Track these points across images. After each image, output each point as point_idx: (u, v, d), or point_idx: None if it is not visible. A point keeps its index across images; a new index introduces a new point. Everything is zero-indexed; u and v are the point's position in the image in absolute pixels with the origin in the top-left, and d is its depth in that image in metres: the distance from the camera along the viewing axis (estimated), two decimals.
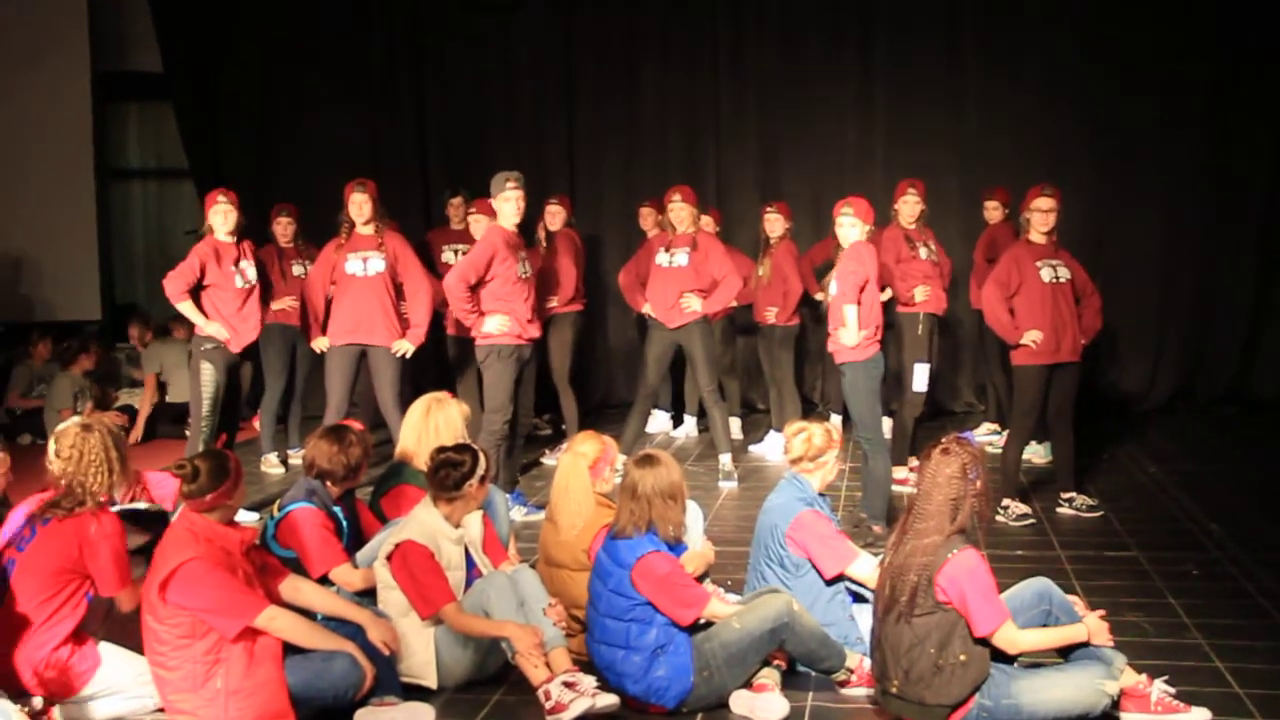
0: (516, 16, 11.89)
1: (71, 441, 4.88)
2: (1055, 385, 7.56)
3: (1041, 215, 7.53)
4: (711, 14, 11.69)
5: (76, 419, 5.09)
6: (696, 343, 8.60)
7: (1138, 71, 10.89)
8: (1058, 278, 7.52)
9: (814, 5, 11.48)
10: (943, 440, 4.63)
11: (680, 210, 8.55)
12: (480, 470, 5.21)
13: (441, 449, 5.33)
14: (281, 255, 9.49)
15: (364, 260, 8.20)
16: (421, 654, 4.98)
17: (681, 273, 8.56)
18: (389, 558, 5.05)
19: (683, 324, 8.57)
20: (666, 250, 8.67)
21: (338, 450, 5.46)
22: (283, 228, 9.53)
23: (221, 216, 7.87)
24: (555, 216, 9.54)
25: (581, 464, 5.60)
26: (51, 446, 4.93)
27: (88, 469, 4.84)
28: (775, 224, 9.53)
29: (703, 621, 4.84)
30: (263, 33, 11.95)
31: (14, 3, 12.22)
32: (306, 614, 4.85)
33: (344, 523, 5.50)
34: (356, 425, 5.79)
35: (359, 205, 8.20)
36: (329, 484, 5.48)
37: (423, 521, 5.16)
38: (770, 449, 9.48)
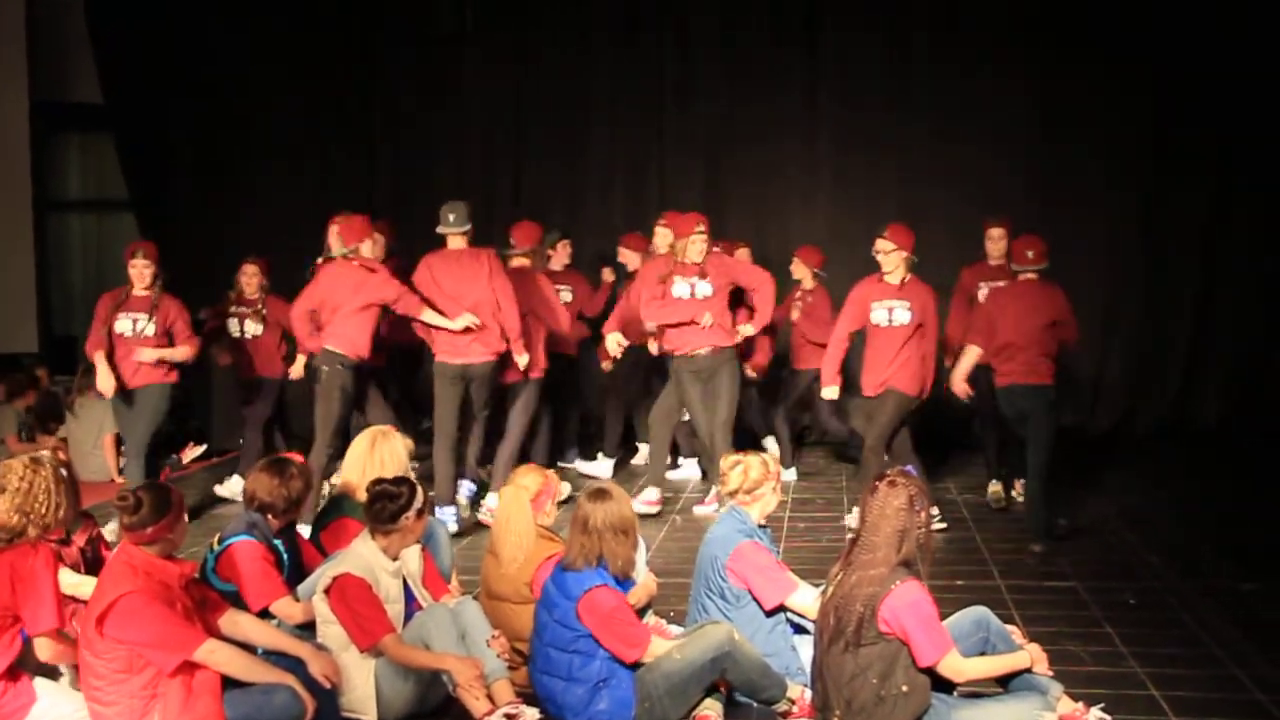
0: (466, 51, 11.91)
1: (20, 474, 4.83)
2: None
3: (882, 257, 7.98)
4: (658, 49, 11.78)
5: (24, 457, 5.03)
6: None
7: (1077, 110, 11.05)
8: (891, 320, 7.94)
9: (760, 46, 11.57)
10: (888, 473, 4.70)
11: (699, 240, 8.36)
12: (417, 503, 5.20)
13: (378, 481, 5.32)
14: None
15: None
16: (362, 688, 4.95)
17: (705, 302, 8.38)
18: (327, 591, 5.03)
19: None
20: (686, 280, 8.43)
21: (279, 483, 5.45)
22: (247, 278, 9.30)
23: (138, 271, 8.10)
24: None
25: (523, 496, 5.61)
26: None
27: (33, 503, 4.80)
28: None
29: (645, 660, 4.86)
30: (206, 64, 11.91)
31: None
32: (247, 648, 4.83)
33: (285, 556, 5.48)
34: (298, 458, 5.78)
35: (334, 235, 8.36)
36: (270, 517, 5.46)
37: (360, 555, 5.15)
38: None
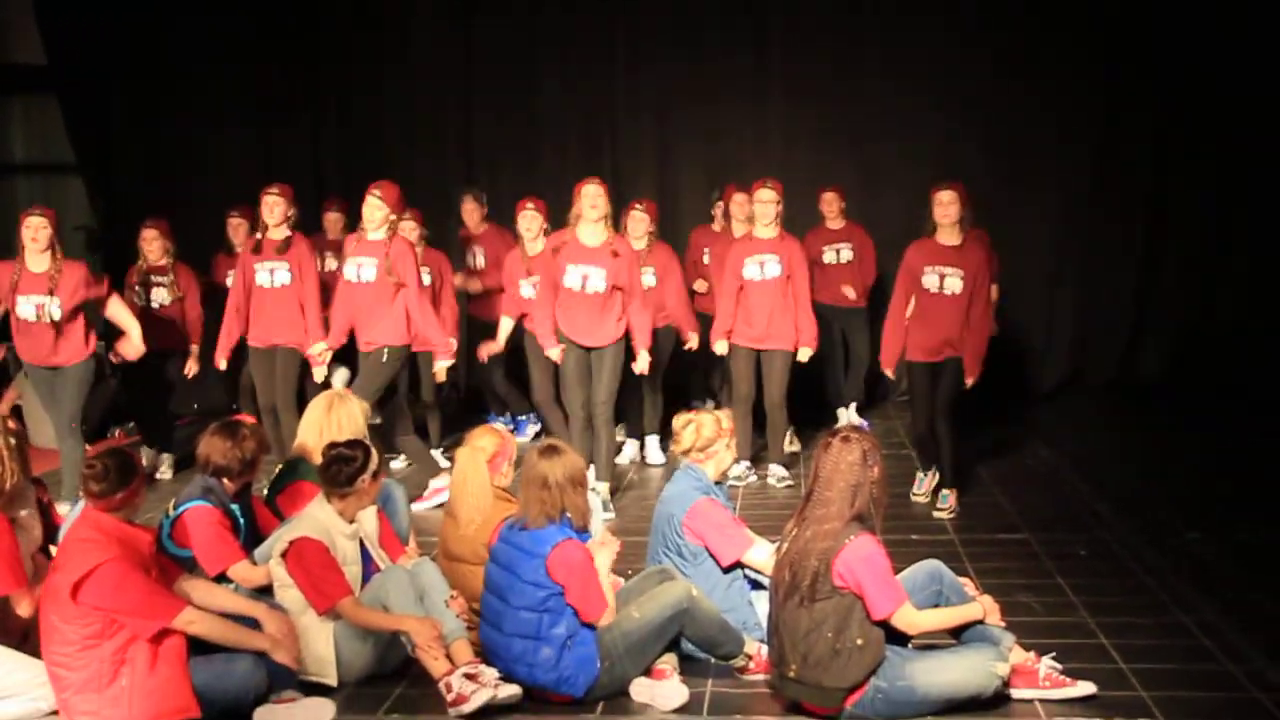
0: (415, 17, 11.79)
1: None
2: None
3: (761, 207, 8.08)
4: (607, 8, 11.71)
5: None
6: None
7: (1026, 72, 11.06)
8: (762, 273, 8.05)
9: (709, 6, 11.51)
10: (841, 429, 4.73)
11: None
12: (372, 466, 5.20)
13: (333, 444, 5.31)
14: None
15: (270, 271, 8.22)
16: (321, 650, 4.95)
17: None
18: (284, 555, 5.03)
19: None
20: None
21: (232, 445, 5.42)
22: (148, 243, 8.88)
23: (32, 232, 7.57)
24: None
25: (480, 458, 5.60)
26: None
27: None
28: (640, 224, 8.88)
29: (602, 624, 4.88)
30: (151, 24, 11.74)
31: None
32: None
33: (241, 520, 5.47)
34: (249, 419, 5.75)
35: (269, 208, 8.16)
36: (225, 480, 5.44)
37: (316, 518, 5.14)
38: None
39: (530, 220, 8.69)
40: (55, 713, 4.70)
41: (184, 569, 5.07)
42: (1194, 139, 10.97)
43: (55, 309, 7.53)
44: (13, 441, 4.96)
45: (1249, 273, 11.04)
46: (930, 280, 7.44)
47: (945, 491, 7.51)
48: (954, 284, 7.38)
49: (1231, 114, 10.77)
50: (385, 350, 7.71)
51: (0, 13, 12.28)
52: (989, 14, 11.13)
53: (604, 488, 7.63)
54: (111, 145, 12.06)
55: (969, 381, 7.45)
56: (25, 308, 7.57)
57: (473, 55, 11.86)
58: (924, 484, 7.79)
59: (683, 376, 9.87)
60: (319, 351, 7.95)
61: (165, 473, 8.89)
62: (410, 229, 8.62)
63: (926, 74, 11.09)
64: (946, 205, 7.43)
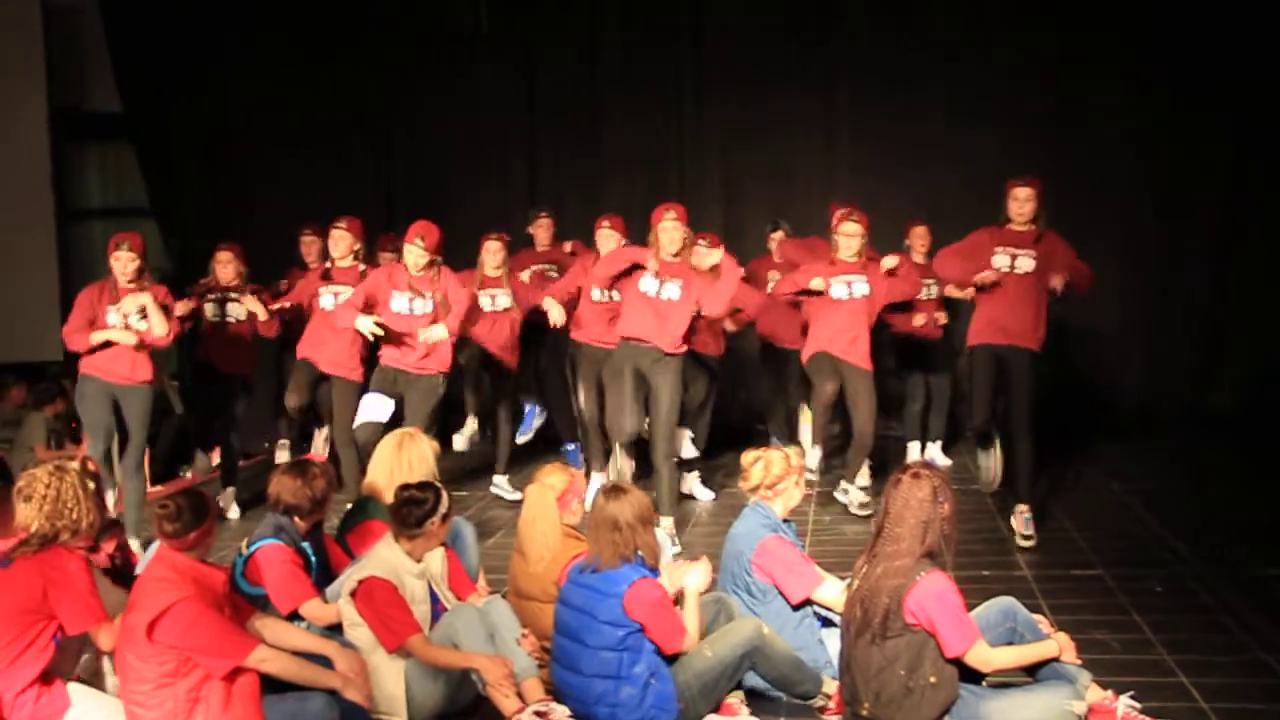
0: (478, 53, 11.90)
1: (47, 482, 4.84)
2: None
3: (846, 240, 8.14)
4: (673, 48, 11.76)
5: (50, 465, 5.05)
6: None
7: (1093, 97, 11.00)
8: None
9: (775, 43, 11.54)
10: (912, 465, 4.71)
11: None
12: (442, 509, 5.22)
13: (405, 486, 5.35)
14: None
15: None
16: (392, 689, 4.97)
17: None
18: (353, 594, 5.06)
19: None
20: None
21: (302, 484, 5.47)
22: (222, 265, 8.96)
23: (121, 264, 7.76)
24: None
25: (549, 496, 5.62)
26: (22, 490, 4.90)
27: (62, 510, 4.81)
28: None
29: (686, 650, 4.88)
30: (222, 69, 11.94)
31: None
32: None
33: (312, 557, 5.50)
34: (319, 458, 5.80)
35: (335, 241, 8.50)
36: (296, 519, 5.49)
37: (384, 558, 5.17)
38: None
39: (606, 239, 8.82)
40: None
41: (256, 607, 5.11)
42: (1271, 167, 10.80)
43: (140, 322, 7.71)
44: (90, 484, 5.03)
45: None
46: (1001, 260, 7.44)
47: (1023, 508, 7.46)
48: (1025, 264, 7.42)
49: None
50: (440, 376, 7.95)
51: (77, 61, 12.54)
52: (1054, 44, 11.07)
53: (668, 523, 7.57)
54: (186, 188, 12.25)
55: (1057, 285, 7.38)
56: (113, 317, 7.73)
57: (536, 90, 11.99)
58: (990, 469, 7.79)
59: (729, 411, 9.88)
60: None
61: (232, 512, 8.88)
62: (497, 249, 8.93)
63: (990, 109, 11.03)
64: (1023, 201, 7.45)
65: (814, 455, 8.30)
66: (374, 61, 12.13)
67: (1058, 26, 11.11)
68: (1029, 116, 11.06)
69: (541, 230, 9.98)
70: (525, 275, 9.45)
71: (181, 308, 8.20)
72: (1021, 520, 7.44)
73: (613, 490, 5.04)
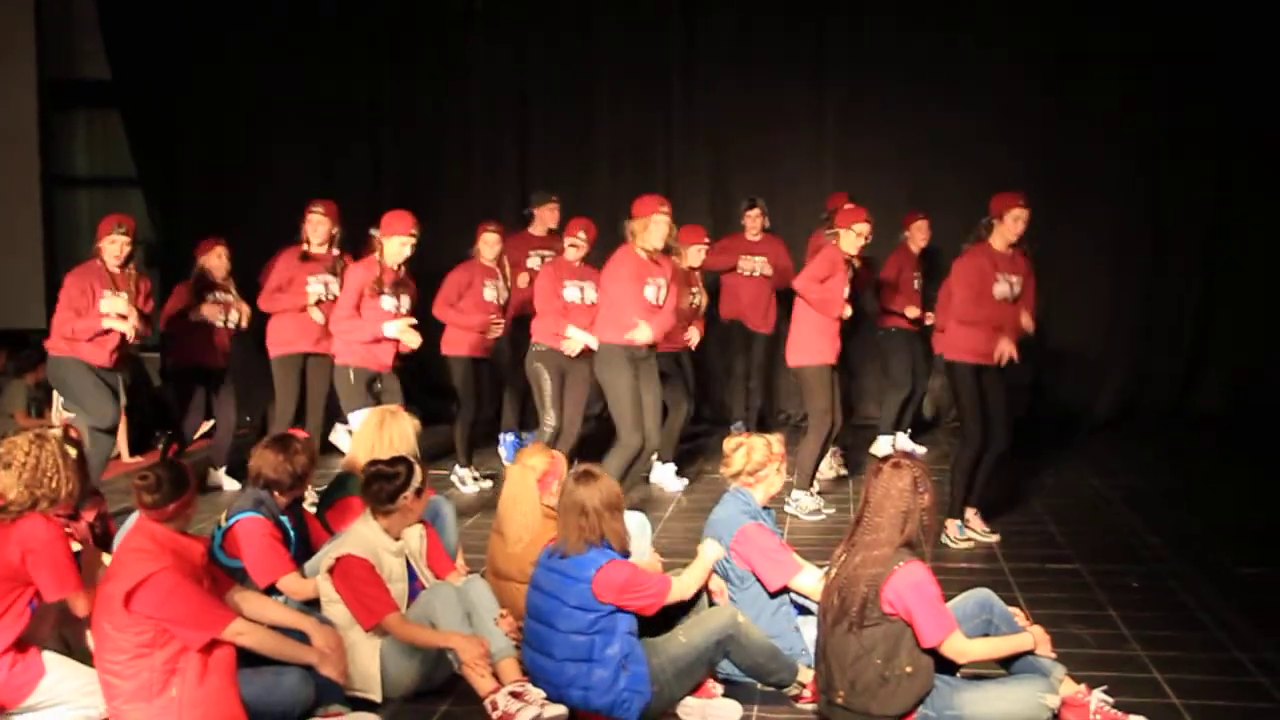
0: (471, 38, 11.86)
1: (26, 450, 4.83)
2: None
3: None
4: (664, 34, 11.73)
5: (31, 432, 5.04)
6: None
7: (1085, 94, 11.01)
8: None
9: (767, 29, 11.51)
10: (892, 455, 4.72)
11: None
12: (415, 483, 5.20)
13: (374, 462, 5.33)
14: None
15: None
16: (367, 665, 4.97)
17: None
18: (330, 571, 5.05)
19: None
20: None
21: (283, 459, 5.46)
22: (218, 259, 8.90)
23: (117, 248, 7.70)
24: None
25: (530, 477, 5.63)
26: (1, 457, 4.87)
27: (41, 478, 4.80)
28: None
29: (671, 601, 4.91)
30: (214, 41, 11.87)
31: None
32: None
33: (291, 532, 5.50)
34: (301, 434, 5.79)
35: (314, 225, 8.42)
36: (276, 493, 5.47)
37: (362, 535, 5.16)
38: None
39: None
40: None
41: (235, 580, 5.10)
42: (1257, 170, 10.86)
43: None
44: (72, 452, 5.02)
45: None
46: (1002, 289, 7.36)
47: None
48: (1017, 288, 7.42)
49: None
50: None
51: (67, 29, 12.47)
52: (1045, 43, 11.10)
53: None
54: (174, 160, 12.19)
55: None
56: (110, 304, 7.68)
57: (527, 76, 11.96)
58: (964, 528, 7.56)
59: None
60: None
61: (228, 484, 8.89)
62: (495, 240, 8.94)
63: (981, 103, 11.03)
64: (1024, 223, 7.38)
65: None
66: (368, 38, 12.06)
67: (1056, 25, 11.11)
68: (1021, 112, 11.07)
69: (548, 214, 9.95)
70: (535, 261, 9.52)
71: (174, 302, 8.22)
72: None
73: (583, 475, 5.01)
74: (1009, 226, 7.36)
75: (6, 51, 12.30)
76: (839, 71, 11.47)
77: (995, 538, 7.39)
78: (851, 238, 7.98)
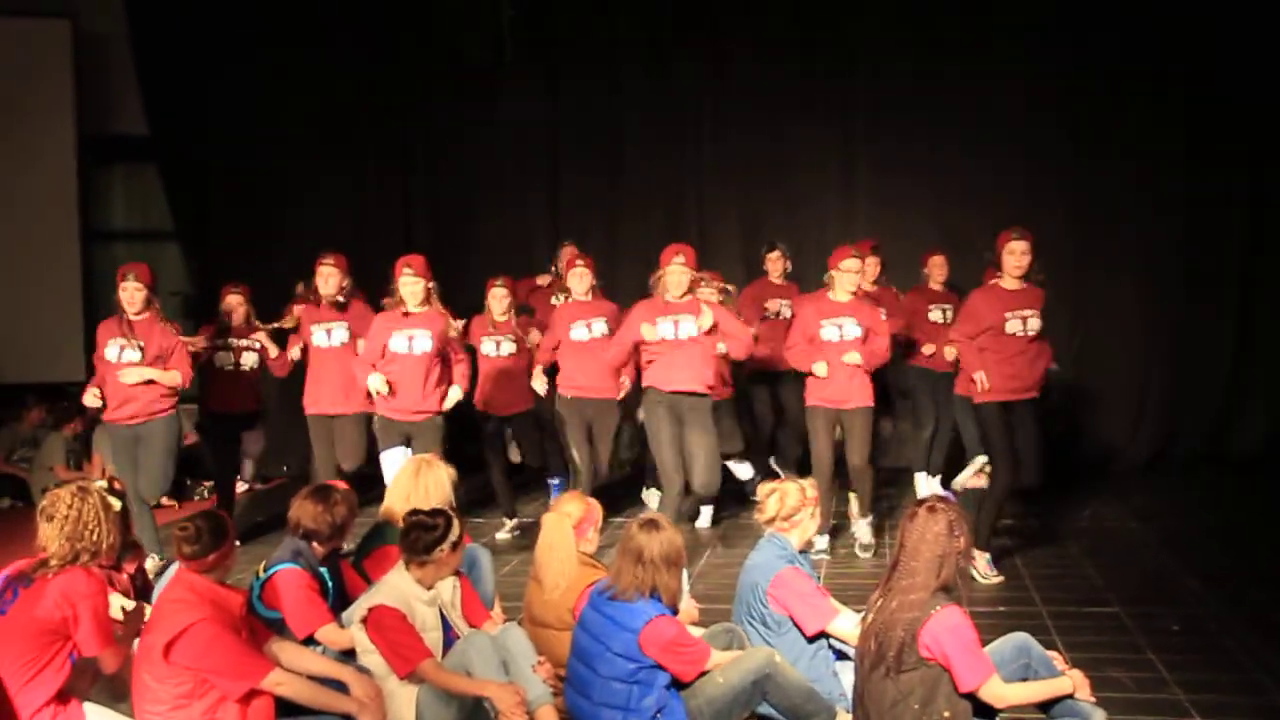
0: (502, 85, 11.98)
1: (69, 503, 4.87)
2: None
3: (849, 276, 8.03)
4: (692, 80, 11.84)
5: (73, 486, 5.09)
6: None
7: (1110, 133, 11.03)
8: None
9: (793, 76, 11.60)
10: (928, 499, 4.71)
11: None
12: (452, 536, 5.21)
13: (414, 512, 5.34)
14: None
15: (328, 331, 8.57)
16: (405, 714, 4.96)
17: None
18: (364, 621, 5.08)
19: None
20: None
21: (323, 510, 5.50)
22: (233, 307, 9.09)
23: (128, 295, 7.89)
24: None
25: (566, 524, 5.64)
26: (44, 510, 4.91)
27: (83, 531, 4.84)
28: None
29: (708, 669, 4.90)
30: (247, 96, 12.04)
31: (1, 68, 12.31)
32: None
33: (329, 582, 5.53)
34: (341, 485, 5.82)
35: (324, 278, 8.51)
36: (314, 544, 5.51)
37: (394, 585, 5.18)
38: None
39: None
40: None
41: (273, 631, 5.14)
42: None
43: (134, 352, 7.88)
44: (115, 503, 5.06)
45: None
46: (1014, 325, 7.43)
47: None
48: (1035, 324, 7.44)
49: None
50: (439, 416, 7.99)
51: (105, 87, 12.65)
52: (1070, 89, 11.10)
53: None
54: (209, 212, 12.33)
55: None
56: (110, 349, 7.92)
57: (559, 122, 12.08)
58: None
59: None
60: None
61: None
62: (503, 295, 9.00)
63: (1010, 149, 11.08)
64: (1019, 256, 7.43)
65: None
66: (399, 92, 12.23)
67: (1073, 58, 11.12)
68: (1047, 148, 11.10)
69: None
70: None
71: (191, 346, 8.36)
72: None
73: (648, 523, 5.02)
74: (1007, 261, 7.46)
75: (47, 108, 12.45)
76: (864, 113, 11.52)
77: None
78: (840, 278, 8.06)
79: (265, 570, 5.43)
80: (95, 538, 4.88)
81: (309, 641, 5.25)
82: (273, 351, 8.94)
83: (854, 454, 8.08)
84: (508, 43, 11.82)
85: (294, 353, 8.76)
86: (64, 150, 12.58)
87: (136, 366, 7.93)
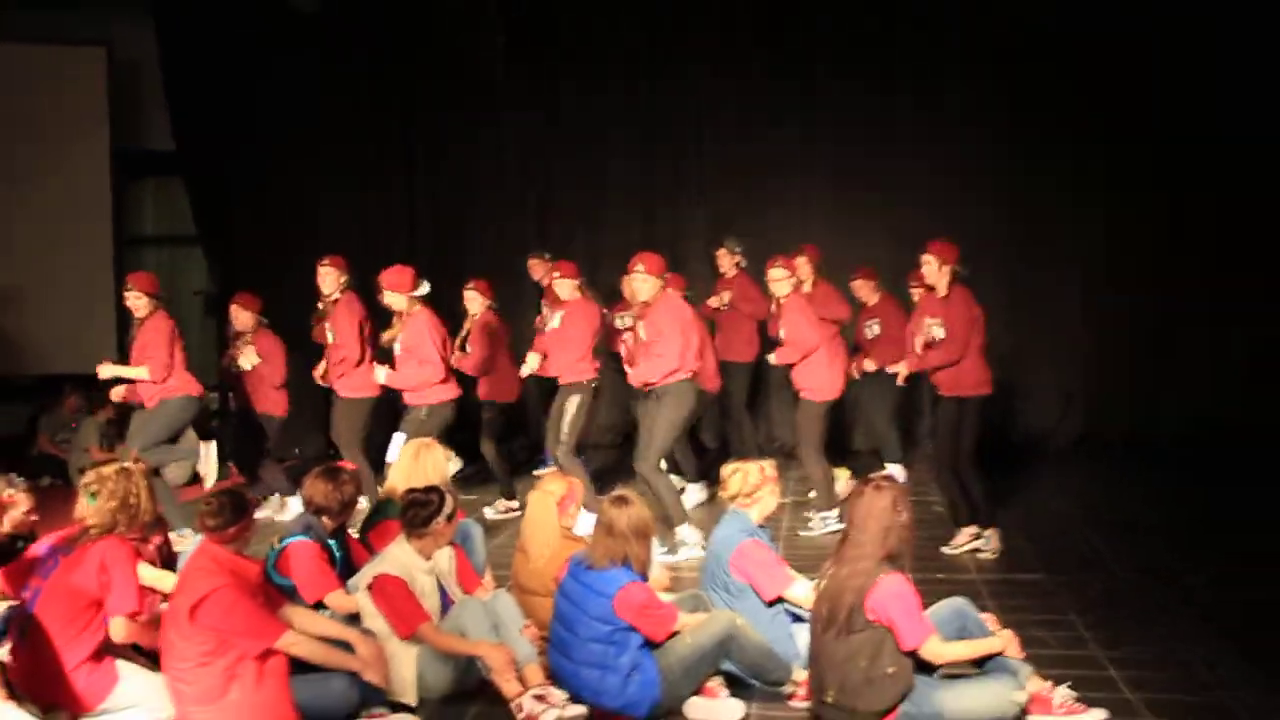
0: (499, 100, 11.92)
1: (114, 481, 4.93)
2: None
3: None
4: (670, 98, 11.82)
5: (116, 465, 5.11)
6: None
7: (1043, 153, 11.02)
8: None
9: (760, 93, 11.55)
10: (873, 477, 4.73)
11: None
12: (446, 510, 5.23)
13: (411, 490, 5.38)
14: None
15: None
16: (405, 672, 4.98)
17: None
18: (369, 588, 5.08)
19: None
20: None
21: (333, 488, 5.49)
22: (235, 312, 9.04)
23: (130, 302, 7.94)
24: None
25: (550, 501, 5.67)
26: (89, 486, 4.94)
27: (126, 506, 4.91)
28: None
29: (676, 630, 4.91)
30: (268, 114, 12.02)
31: (42, 90, 12.27)
32: None
33: (337, 553, 5.52)
34: (350, 466, 5.82)
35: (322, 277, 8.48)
36: (325, 519, 5.51)
37: (396, 556, 5.20)
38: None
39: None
40: None
41: (286, 597, 5.14)
42: (1199, 200, 10.76)
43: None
44: (149, 483, 5.10)
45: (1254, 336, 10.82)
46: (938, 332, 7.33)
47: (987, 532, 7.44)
48: (938, 332, 7.25)
49: (1236, 171, 10.59)
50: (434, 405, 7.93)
51: (137, 107, 12.67)
52: (1010, 97, 11.07)
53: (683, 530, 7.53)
54: (230, 220, 12.31)
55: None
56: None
57: (549, 137, 12.04)
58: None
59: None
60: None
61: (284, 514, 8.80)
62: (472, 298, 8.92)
63: (954, 152, 11.04)
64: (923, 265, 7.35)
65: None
66: (407, 108, 12.18)
67: (1007, 78, 11.09)
68: (983, 153, 11.09)
69: (538, 270, 10.09)
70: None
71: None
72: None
73: (618, 499, 5.03)
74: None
75: (84, 126, 12.45)
76: (824, 127, 11.45)
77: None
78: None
79: (280, 542, 5.43)
80: (136, 513, 4.96)
81: (318, 606, 5.25)
82: (248, 365, 8.88)
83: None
84: (501, 64, 11.81)
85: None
86: (99, 164, 12.59)
87: (106, 363, 8.06)
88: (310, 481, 5.58)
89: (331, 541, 5.51)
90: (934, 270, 7.26)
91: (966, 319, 7.18)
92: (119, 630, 4.77)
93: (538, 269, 10.09)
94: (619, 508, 4.96)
